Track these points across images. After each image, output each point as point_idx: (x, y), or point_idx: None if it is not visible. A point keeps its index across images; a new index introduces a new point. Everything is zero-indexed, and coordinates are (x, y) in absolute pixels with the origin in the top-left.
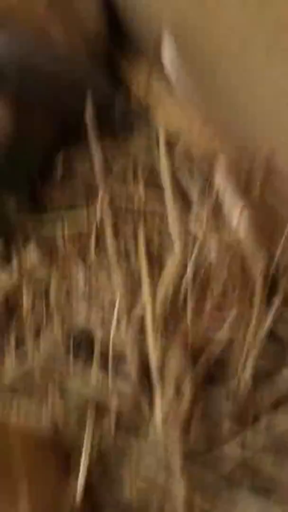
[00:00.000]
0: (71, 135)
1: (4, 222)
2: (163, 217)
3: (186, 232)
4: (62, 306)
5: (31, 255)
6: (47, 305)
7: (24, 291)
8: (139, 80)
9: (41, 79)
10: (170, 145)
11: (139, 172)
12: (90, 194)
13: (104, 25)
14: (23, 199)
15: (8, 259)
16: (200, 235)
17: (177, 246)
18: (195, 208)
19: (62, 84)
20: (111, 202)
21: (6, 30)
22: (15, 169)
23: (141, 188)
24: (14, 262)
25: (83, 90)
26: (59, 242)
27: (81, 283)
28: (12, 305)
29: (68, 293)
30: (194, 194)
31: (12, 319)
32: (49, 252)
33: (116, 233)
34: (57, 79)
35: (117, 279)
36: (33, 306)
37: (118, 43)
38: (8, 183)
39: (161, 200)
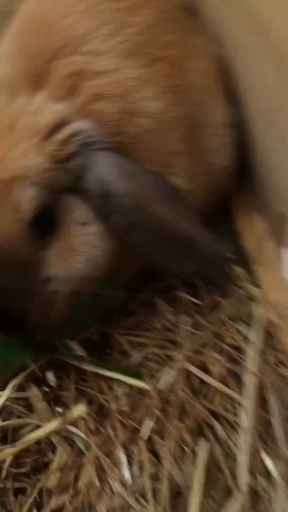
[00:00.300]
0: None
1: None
2: None
3: None
4: None
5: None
6: None
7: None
8: (252, 239)
9: (147, 222)
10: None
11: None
12: None
13: (231, 161)
14: None
15: None
16: None
17: None
18: None
19: (166, 231)
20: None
21: (132, 162)
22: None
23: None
24: None
25: (188, 245)
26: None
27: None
28: None
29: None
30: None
31: None
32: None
33: None
34: (162, 226)
35: None
36: None
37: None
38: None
39: None
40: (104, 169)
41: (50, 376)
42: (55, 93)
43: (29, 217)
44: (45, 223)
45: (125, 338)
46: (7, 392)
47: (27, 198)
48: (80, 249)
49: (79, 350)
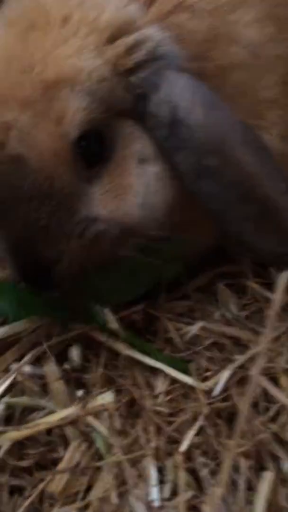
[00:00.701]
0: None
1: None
2: None
3: None
4: None
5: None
6: None
7: None
8: None
9: (223, 168)
10: None
11: None
12: None
13: None
14: None
15: None
16: None
17: None
18: None
19: (246, 187)
20: None
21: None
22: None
23: None
24: None
25: (273, 214)
26: None
27: None
28: None
29: None
30: None
31: None
32: None
33: None
34: (243, 180)
35: None
36: None
37: None
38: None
39: None
40: (178, 91)
41: (74, 353)
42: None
43: (74, 134)
44: (94, 150)
45: (173, 325)
46: (19, 366)
47: (74, 108)
48: (135, 188)
49: (114, 324)
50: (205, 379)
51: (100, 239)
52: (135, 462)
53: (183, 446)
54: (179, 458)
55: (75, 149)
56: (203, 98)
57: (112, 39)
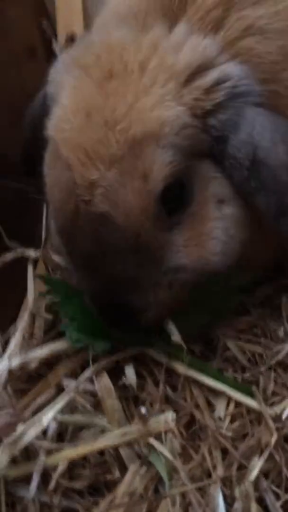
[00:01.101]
0: None
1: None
2: None
3: None
4: None
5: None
6: None
7: None
8: None
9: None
10: None
11: None
12: None
13: None
14: None
15: None
16: None
17: None
18: None
19: None
20: None
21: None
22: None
23: None
24: None
25: None
26: None
27: None
28: None
29: None
30: None
31: None
32: None
33: None
34: None
35: None
36: None
37: None
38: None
39: None
40: (258, 130)
41: (130, 371)
42: (196, 26)
43: (159, 189)
44: (175, 200)
45: (235, 343)
46: (77, 383)
47: (159, 164)
48: (215, 234)
49: (177, 337)
50: (271, 403)
51: (184, 288)
52: (200, 489)
53: (253, 475)
54: (249, 488)
55: (159, 203)
56: (283, 134)
57: (190, 81)
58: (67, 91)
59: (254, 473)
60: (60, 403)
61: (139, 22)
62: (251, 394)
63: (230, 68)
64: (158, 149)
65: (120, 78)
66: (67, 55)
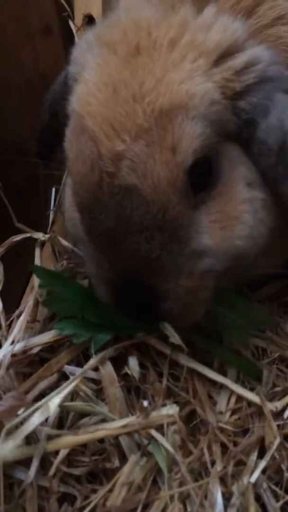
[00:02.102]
0: None
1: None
2: None
3: None
4: None
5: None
6: None
7: None
8: None
9: None
10: None
11: None
12: None
13: None
14: None
15: None
16: None
17: None
18: None
19: None
20: None
21: None
22: None
23: None
24: None
25: None
26: None
27: None
28: None
29: None
30: None
31: None
32: None
33: None
34: None
35: None
36: None
37: None
38: None
39: None
40: None
41: (134, 363)
42: (227, 13)
43: (189, 162)
44: (203, 177)
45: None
46: (82, 371)
47: (189, 135)
48: (243, 217)
49: (175, 339)
50: (272, 396)
51: (205, 276)
52: (197, 480)
53: (254, 477)
54: (249, 489)
55: (188, 177)
56: None
57: (220, 60)
58: (91, 68)
59: (255, 475)
60: (66, 390)
61: (166, 5)
62: (260, 378)
63: (260, 52)
64: (188, 120)
65: (147, 54)
66: (90, 33)
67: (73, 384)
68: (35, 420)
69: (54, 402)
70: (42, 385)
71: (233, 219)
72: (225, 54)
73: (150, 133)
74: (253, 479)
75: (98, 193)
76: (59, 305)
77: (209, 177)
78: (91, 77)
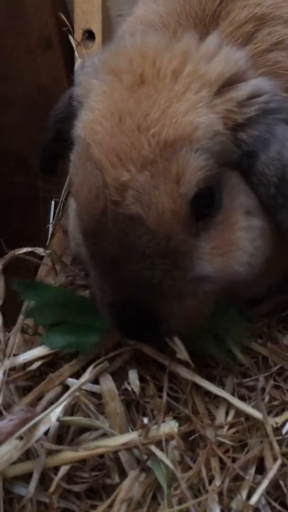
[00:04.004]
0: None
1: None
2: None
3: None
4: None
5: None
6: None
7: None
8: None
9: None
10: None
11: None
12: None
13: None
14: None
15: None
16: None
17: None
18: None
19: None
20: None
21: None
22: None
23: None
24: None
25: None
26: None
27: None
28: None
29: None
30: None
31: None
32: None
33: None
34: None
35: None
36: None
37: None
38: None
39: None
40: None
41: (134, 377)
42: (227, 39)
43: (192, 193)
44: (205, 206)
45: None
46: (79, 383)
47: (193, 167)
48: (242, 245)
49: (183, 354)
50: (270, 410)
51: (208, 297)
52: (196, 496)
53: (254, 499)
54: (247, 505)
55: (191, 207)
56: None
57: (223, 90)
58: (97, 95)
59: (255, 496)
60: (65, 401)
61: (169, 31)
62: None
63: (263, 83)
64: (191, 152)
65: (152, 84)
66: (96, 58)
67: (72, 395)
68: (37, 433)
69: (55, 413)
70: (49, 396)
71: (232, 246)
72: (227, 84)
73: (155, 164)
74: (253, 501)
75: (102, 220)
76: (42, 314)
77: (210, 205)
78: (97, 104)
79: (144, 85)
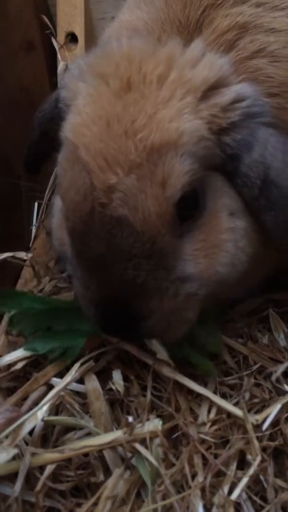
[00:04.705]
0: None
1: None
2: None
3: None
4: None
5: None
6: None
7: None
8: None
9: None
10: None
11: None
12: None
13: None
14: None
15: None
16: None
17: None
18: None
19: None
20: None
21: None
22: None
23: None
24: None
25: None
26: None
27: None
28: None
29: None
30: None
31: None
32: None
33: None
34: None
35: None
36: None
37: None
38: None
39: None
40: (270, 151)
41: (118, 376)
42: (210, 46)
43: (177, 197)
44: (189, 209)
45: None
46: (64, 384)
47: (178, 172)
48: (225, 246)
49: (163, 355)
50: (251, 407)
51: (190, 299)
52: (179, 492)
53: (235, 494)
54: (228, 500)
55: (176, 210)
56: None
57: (207, 95)
58: (84, 98)
59: (236, 491)
60: (50, 400)
61: (154, 37)
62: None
63: (245, 89)
64: (177, 157)
65: (138, 90)
66: (82, 61)
67: (57, 394)
68: (22, 432)
69: (40, 413)
70: (34, 396)
71: (215, 248)
72: (211, 89)
73: (142, 168)
74: (234, 495)
75: (89, 222)
76: (24, 323)
77: (195, 208)
78: (85, 108)
79: (131, 91)
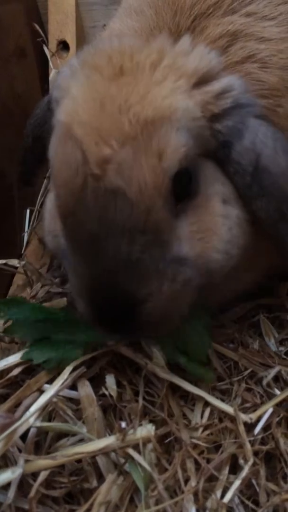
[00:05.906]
0: None
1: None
2: None
3: None
4: None
5: None
6: None
7: None
8: None
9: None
10: None
11: None
12: None
13: None
14: None
15: None
16: None
17: None
18: None
19: None
20: None
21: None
22: None
23: None
24: None
25: None
26: None
27: None
28: None
29: None
30: None
31: None
32: None
33: None
34: None
35: None
36: None
37: None
38: None
39: None
40: (261, 139)
41: (111, 381)
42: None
43: (174, 169)
44: (184, 186)
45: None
46: (57, 389)
47: (175, 143)
48: (219, 231)
49: (160, 361)
50: (243, 411)
51: (187, 285)
52: (171, 497)
53: (227, 498)
54: (221, 504)
55: (172, 184)
56: (283, 145)
57: (199, 84)
58: (77, 87)
59: (228, 495)
60: (43, 405)
61: (143, 38)
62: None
63: (234, 81)
64: (172, 131)
65: (132, 74)
66: (74, 59)
67: (49, 399)
68: (15, 438)
69: (34, 419)
70: (27, 402)
71: (210, 231)
72: (203, 80)
73: (136, 140)
74: (226, 499)
75: (81, 196)
76: (21, 330)
77: (189, 189)
78: (78, 93)
79: (124, 76)
